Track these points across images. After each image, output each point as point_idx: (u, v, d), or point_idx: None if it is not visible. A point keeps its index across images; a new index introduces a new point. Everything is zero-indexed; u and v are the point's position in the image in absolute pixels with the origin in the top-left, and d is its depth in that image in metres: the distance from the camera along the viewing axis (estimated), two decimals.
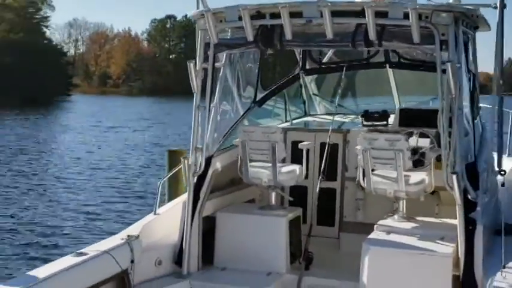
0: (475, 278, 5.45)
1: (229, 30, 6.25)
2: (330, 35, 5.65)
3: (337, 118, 8.41)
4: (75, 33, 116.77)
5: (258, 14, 5.92)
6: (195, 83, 6.22)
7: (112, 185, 21.42)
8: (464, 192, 5.56)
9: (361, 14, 5.53)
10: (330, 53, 8.56)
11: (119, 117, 50.61)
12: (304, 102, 8.81)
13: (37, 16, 79.97)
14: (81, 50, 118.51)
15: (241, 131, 6.72)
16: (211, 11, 5.99)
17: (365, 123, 7.77)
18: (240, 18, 5.90)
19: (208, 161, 6.53)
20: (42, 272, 5.13)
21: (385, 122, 7.77)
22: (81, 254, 5.51)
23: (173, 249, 6.44)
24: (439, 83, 5.47)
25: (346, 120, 8.43)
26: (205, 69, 6.29)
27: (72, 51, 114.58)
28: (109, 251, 5.65)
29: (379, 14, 5.50)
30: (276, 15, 5.81)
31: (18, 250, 13.57)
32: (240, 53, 6.94)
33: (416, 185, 6.15)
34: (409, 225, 6.21)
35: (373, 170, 6.33)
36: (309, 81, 8.86)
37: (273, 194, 6.88)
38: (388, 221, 6.32)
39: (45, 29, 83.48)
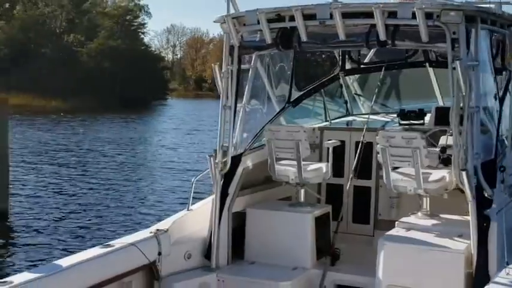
0: (489, 276, 5.45)
1: (258, 33, 6.50)
2: (342, 36, 5.80)
3: (379, 117, 8.49)
4: (173, 38, 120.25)
5: (276, 17, 6.14)
6: (220, 85, 6.50)
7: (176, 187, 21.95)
8: (478, 189, 5.59)
9: (372, 14, 5.66)
10: (371, 53, 8.64)
11: (206, 120, 51.64)
12: (346, 102, 8.92)
13: (135, 23, 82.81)
14: (179, 55, 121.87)
15: (267, 130, 6.94)
16: (231, 16, 6.27)
17: (401, 122, 7.83)
18: (259, 22, 6.15)
19: (237, 159, 6.80)
20: (68, 260, 5.56)
21: (421, 121, 7.79)
22: (108, 245, 5.91)
23: (203, 243, 6.73)
24: (449, 81, 5.53)
25: (388, 119, 8.49)
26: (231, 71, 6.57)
27: (170, 56, 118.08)
28: (136, 243, 6.02)
29: (389, 14, 5.62)
30: (292, 18, 6.02)
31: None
32: (272, 54, 7.17)
33: (436, 183, 6.19)
34: (430, 222, 6.26)
35: (397, 168, 6.42)
36: (351, 81, 8.97)
37: (302, 191, 7.07)
38: (410, 218, 6.40)
39: (142, 35, 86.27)
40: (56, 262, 5.57)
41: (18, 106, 50.32)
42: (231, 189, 6.75)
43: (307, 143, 6.83)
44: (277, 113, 7.65)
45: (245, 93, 6.88)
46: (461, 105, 5.54)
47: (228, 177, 6.72)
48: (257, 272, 6.56)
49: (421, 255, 5.72)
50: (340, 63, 8.54)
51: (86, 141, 35.77)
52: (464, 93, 5.46)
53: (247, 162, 6.97)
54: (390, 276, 5.79)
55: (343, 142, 7.68)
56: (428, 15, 5.52)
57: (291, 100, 7.90)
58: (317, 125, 8.09)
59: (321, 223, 6.89)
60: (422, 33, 5.49)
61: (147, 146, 34.98)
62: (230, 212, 6.78)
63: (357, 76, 8.91)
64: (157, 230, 6.34)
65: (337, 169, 7.59)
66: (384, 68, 8.39)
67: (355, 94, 8.99)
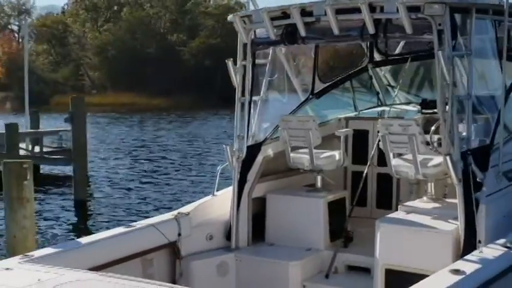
0: None
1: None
2: (336, 30, 6.21)
3: (410, 107, 8.73)
4: None
5: (281, 15, 6.61)
6: (235, 79, 7.04)
7: None
8: (467, 173, 5.85)
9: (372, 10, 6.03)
10: (400, 44, 8.88)
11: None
12: (378, 93, 9.19)
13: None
14: None
15: (281, 120, 7.41)
16: (239, 15, 6.80)
17: (423, 111, 8.06)
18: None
19: (257, 148, 7.31)
20: (94, 237, 6.30)
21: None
22: (130, 226, 6.60)
23: (225, 225, 7.27)
24: (437, 71, 5.81)
25: (415, 109, 8.70)
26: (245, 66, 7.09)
27: None
28: (156, 224, 6.67)
29: (379, 9, 5.97)
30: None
31: None
32: (291, 47, 7.60)
33: (434, 168, 6.46)
34: (431, 206, 6.54)
35: (401, 155, 6.74)
36: (383, 73, 9.22)
37: (318, 178, 7.49)
38: (414, 202, 6.71)
39: None
40: (81, 238, 6.31)
41: (124, 105, 52.86)
42: (250, 176, 7.25)
43: (318, 131, 7.23)
44: (300, 105, 8.09)
45: (262, 86, 7.38)
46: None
47: (246, 165, 7.22)
48: (272, 252, 7.05)
49: (412, 236, 6.02)
50: (368, 54, 8.84)
51: (173, 137, 37.15)
52: (448, 82, 5.73)
53: (268, 151, 7.45)
54: (385, 256, 6.14)
55: (367, 131, 8.03)
56: (415, 9, 5.84)
57: (315, 92, 8.29)
58: (343, 116, 8.46)
59: (335, 207, 7.28)
60: (406, 25, 5.81)
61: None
62: (250, 198, 7.28)
63: (388, 67, 9.16)
64: (179, 213, 6.96)
65: (361, 157, 7.96)
66: (409, 59, 8.63)
67: (388, 85, 9.24)
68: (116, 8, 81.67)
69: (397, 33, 6.09)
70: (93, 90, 76.97)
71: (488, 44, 6.40)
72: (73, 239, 12.40)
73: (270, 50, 7.38)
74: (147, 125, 45.35)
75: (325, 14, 6.19)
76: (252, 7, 7.19)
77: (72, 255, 5.76)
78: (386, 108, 9.00)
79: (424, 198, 6.74)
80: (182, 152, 30.45)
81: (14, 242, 6.33)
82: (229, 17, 6.99)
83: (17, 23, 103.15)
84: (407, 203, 6.67)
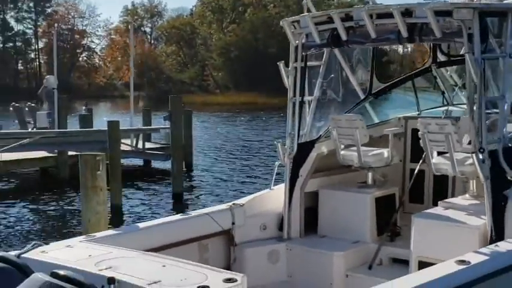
0: None
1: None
2: (373, 34, 6.56)
3: None
4: None
5: (325, 20, 7.05)
6: (286, 80, 7.55)
7: None
8: (497, 171, 6.06)
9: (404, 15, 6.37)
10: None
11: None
12: (443, 93, 9.33)
13: None
14: (409, 49, 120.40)
15: (331, 119, 7.82)
16: (289, 20, 7.30)
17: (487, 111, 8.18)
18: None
19: (310, 145, 7.76)
20: (153, 222, 7.02)
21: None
22: (186, 214, 7.29)
23: (278, 217, 7.76)
24: (467, 73, 6.07)
25: None
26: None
27: (400, 50, 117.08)
28: (210, 213, 7.31)
29: (407, 14, 6.29)
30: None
31: None
32: (348, 49, 7.99)
33: (471, 166, 6.62)
34: (469, 202, 6.75)
35: (444, 153, 6.99)
36: (449, 73, 9.34)
37: (369, 174, 7.85)
38: (455, 199, 6.95)
39: None
40: (140, 223, 7.06)
41: (244, 104, 54.19)
42: (303, 172, 7.70)
43: (365, 130, 7.59)
44: (356, 104, 8.44)
45: (316, 86, 7.84)
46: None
47: (299, 161, 7.69)
48: (321, 244, 7.49)
49: (442, 230, 6.29)
50: (431, 55, 9.03)
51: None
52: (476, 84, 5.98)
53: (322, 148, 7.88)
54: (418, 248, 6.45)
55: None
56: (445, 13, 6.11)
57: (372, 92, 8.61)
58: (402, 115, 8.73)
59: (384, 203, 7.61)
60: (434, 29, 6.10)
61: None
62: (303, 192, 7.74)
63: (454, 67, 9.28)
64: (234, 204, 7.55)
65: (419, 155, 8.21)
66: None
67: (455, 86, 9.36)
68: (240, 9, 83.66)
69: (432, 37, 6.35)
70: (217, 90, 79.40)
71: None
72: None
73: (324, 53, 7.81)
74: (260, 122, 46.40)
75: (363, 19, 6.58)
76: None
77: (130, 236, 6.46)
78: (452, 108, 9.15)
79: (466, 195, 6.95)
80: None
81: (88, 226, 7.16)
82: (281, 22, 7.50)
83: (149, 25, 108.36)
84: (448, 200, 6.92)
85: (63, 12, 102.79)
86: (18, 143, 16.93)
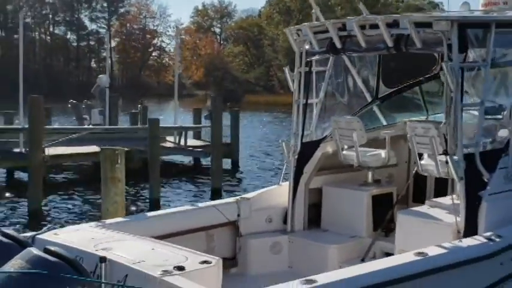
0: None
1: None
2: (363, 44, 7.05)
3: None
4: None
5: (323, 30, 7.56)
6: (291, 84, 8.09)
7: None
8: (473, 173, 6.47)
9: (389, 25, 6.83)
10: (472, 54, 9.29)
11: None
12: (451, 98, 9.62)
13: None
14: None
15: (333, 121, 8.31)
16: (292, 29, 7.84)
17: (487, 116, 8.50)
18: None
19: (314, 145, 8.29)
20: (165, 211, 7.70)
21: (499, 116, 8.41)
22: (195, 205, 7.94)
23: (284, 211, 8.31)
24: (449, 81, 6.48)
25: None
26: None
27: None
28: (216, 205, 7.93)
29: (393, 25, 6.75)
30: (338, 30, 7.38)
31: None
32: (352, 55, 8.46)
33: None
34: (452, 202, 7.16)
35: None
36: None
37: (369, 174, 8.32)
38: (441, 199, 7.36)
39: None
40: (150, 212, 7.74)
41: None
42: (308, 169, 8.22)
43: (363, 131, 8.05)
44: (362, 107, 8.91)
45: (321, 90, 8.36)
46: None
47: (303, 159, 8.22)
48: (320, 237, 8.02)
49: (421, 226, 6.76)
50: (439, 62, 9.35)
51: None
52: (452, 90, 6.40)
53: (327, 148, 8.40)
54: (400, 242, 6.93)
55: None
56: (426, 25, 6.56)
57: (379, 96, 9.04)
58: (408, 119, 9.11)
59: (380, 201, 8.07)
60: (415, 40, 6.55)
61: None
62: (307, 188, 8.28)
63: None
64: (241, 197, 8.16)
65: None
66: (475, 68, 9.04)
67: (465, 92, 9.62)
68: (307, 10, 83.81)
69: (415, 46, 6.77)
70: (281, 90, 79.95)
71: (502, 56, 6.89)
72: None
73: (330, 58, 8.31)
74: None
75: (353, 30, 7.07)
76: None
77: (138, 224, 7.14)
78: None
79: (454, 195, 7.33)
80: None
81: (106, 214, 7.89)
82: (285, 30, 8.06)
83: (219, 26, 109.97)
84: (435, 199, 7.34)
85: (135, 12, 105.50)
86: (65, 138, 18.09)
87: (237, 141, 23.42)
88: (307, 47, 7.90)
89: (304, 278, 5.12)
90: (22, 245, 5.31)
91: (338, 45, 7.33)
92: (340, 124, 8.20)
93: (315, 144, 8.30)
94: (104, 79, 23.54)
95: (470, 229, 6.40)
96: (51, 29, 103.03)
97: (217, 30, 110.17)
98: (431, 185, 8.59)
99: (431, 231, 6.60)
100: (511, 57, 7.04)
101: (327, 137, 8.46)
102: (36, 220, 14.74)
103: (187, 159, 23.98)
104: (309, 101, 8.22)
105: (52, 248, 4.94)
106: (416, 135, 7.23)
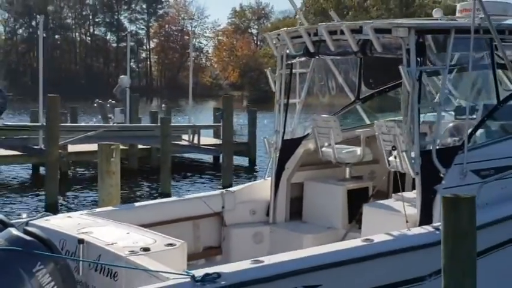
0: None
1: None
2: (332, 48, 7.57)
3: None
4: None
5: (298, 35, 8.10)
6: (273, 85, 8.65)
7: None
8: (429, 168, 6.96)
9: (355, 31, 7.35)
10: (456, 56, 9.70)
11: None
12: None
13: None
14: None
15: (312, 119, 8.84)
16: (272, 34, 8.41)
17: (457, 117, 8.96)
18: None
19: (296, 142, 8.82)
20: (152, 201, 8.34)
21: (475, 116, 8.83)
22: (182, 197, 8.56)
23: (267, 204, 8.86)
24: (405, 83, 6.96)
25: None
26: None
27: None
28: (202, 197, 8.54)
29: (357, 31, 7.26)
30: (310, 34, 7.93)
31: None
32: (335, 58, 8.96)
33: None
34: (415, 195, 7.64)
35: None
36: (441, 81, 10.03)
37: (347, 170, 8.83)
38: (407, 193, 7.81)
39: None
40: (138, 202, 8.37)
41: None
42: (290, 165, 8.77)
43: (338, 130, 8.56)
44: (344, 107, 9.42)
45: (303, 91, 8.90)
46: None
47: (285, 156, 8.77)
48: (298, 227, 8.57)
49: (382, 217, 7.27)
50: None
51: None
52: (409, 91, 6.89)
53: (309, 145, 8.94)
54: (365, 231, 7.44)
55: None
56: (386, 31, 7.06)
57: (360, 97, 9.53)
58: (389, 119, 9.58)
59: (355, 195, 8.56)
60: (375, 45, 7.05)
61: None
62: (289, 183, 8.82)
63: (449, 76, 9.95)
64: (226, 190, 8.76)
65: None
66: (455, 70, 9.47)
67: (449, 94, 10.05)
68: (342, 11, 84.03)
69: (378, 50, 7.26)
70: None
71: (471, 59, 7.33)
72: None
73: (311, 61, 8.84)
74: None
75: (318, 34, 7.61)
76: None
77: (127, 213, 7.74)
78: (445, 114, 9.90)
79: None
80: None
81: (102, 204, 8.53)
82: (265, 35, 8.62)
83: (256, 27, 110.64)
84: (401, 193, 7.80)
85: (173, 13, 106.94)
86: (82, 136, 19.02)
87: (254, 139, 24.01)
88: (287, 50, 8.44)
89: (253, 259, 5.65)
90: (6, 226, 5.97)
91: (311, 49, 7.86)
92: (318, 122, 8.72)
93: (297, 142, 8.84)
94: (124, 80, 24.47)
95: (425, 221, 6.87)
96: (91, 30, 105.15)
97: (254, 31, 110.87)
98: (410, 180, 9.04)
99: (392, 222, 7.07)
100: (473, 61, 7.40)
101: (309, 135, 8.98)
102: (53, 213, 15.48)
103: (206, 157, 24.66)
104: (291, 101, 8.77)
105: (29, 229, 5.58)
106: (382, 133, 7.72)
